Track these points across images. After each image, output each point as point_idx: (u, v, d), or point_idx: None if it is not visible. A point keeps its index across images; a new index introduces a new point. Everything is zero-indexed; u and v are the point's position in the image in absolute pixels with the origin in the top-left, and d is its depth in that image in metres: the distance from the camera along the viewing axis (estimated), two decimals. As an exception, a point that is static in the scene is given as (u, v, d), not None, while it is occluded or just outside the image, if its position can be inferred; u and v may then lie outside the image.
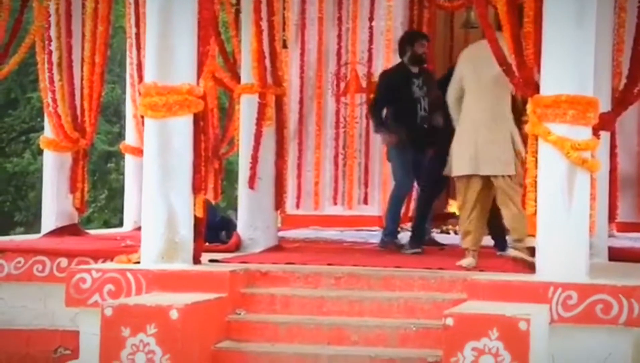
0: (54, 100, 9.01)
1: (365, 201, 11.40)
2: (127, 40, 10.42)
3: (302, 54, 11.61)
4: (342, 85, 11.57)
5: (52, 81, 9.01)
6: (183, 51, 6.81)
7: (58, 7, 9.01)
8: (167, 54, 6.79)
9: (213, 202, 9.72)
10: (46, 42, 9.00)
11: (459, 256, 7.29)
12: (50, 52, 8.99)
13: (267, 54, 8.28)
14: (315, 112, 11.56)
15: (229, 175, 14.66)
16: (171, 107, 6.71)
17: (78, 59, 9.11)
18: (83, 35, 9.05)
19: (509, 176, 7.10)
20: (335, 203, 11.46)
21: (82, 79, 9.07)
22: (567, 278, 6.17)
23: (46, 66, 9.02)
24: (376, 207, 11.29)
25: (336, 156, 11.51)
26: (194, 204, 6.84)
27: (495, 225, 7.68)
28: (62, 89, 9.03)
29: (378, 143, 11.36)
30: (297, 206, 11.41)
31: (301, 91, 11.60)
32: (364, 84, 11.50)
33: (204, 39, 6.89)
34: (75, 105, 9.11)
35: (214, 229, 8.32)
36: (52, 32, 8.99)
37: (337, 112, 11.55)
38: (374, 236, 9.81)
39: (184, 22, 6.81)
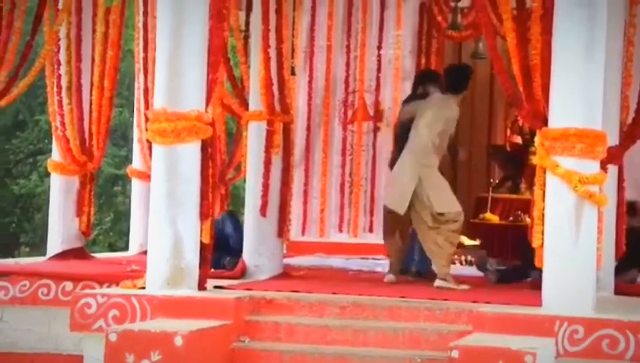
0: (63, 124, 9.03)
1: (371, 229, 11.38)
2: (135, 64, 10.46)
3: (309, 81, 11.64)
4: (350, 113, 11.58)
5: (60, 105, 9.03)
6: (192, 77, 6.83)
7: (69, 32, 9.04)
8: (176, 80, 6.82)
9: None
10: (56, 65, 9.03)
11: (474, 287, 7.33)
12: (59, 76, 9.02)
13: (275, 81, 8.30)
14: (322, 139, 11.58)
15: (234, 200, 14.67)
16: (179, 134, 6.73)
17: (87, 83, 9.14)
18: (92, 59, 9.08)
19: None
20: (340, 231, 11.45)
21: (90, 103, 9.10)
22: (573, 312, 6.15)
23: (55, 89, 9.05)
24: (381, 235, 11.27)
25: (342, 184, 11.52)
26: (201, 231, 6.85)
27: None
28: (71, 113, 9.05)
29: (384, 171, 11.38)
30: (303, 232, 11.40)
31: (308, 118, 11.63)
32: (371, 112, 11.53)
33: (213, 65, 6.92)
34: (83, 129, 9.13)
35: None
36: (62, 56, 9.02)
37: (344, 139, 11.56)
38: (380, 264, 9.79)
39: (193, 48, 6.84)
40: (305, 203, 11.47)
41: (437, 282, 7.76)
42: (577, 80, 6.35)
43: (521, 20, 6.69)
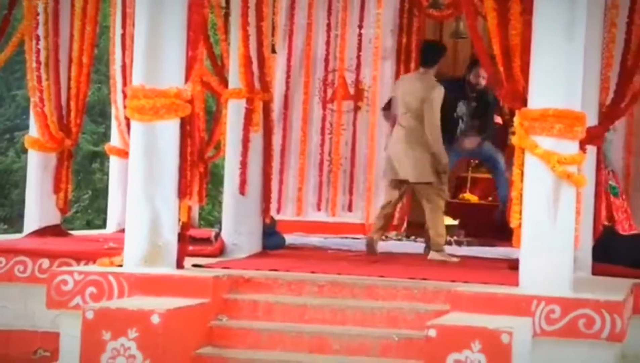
0: (42, 100, 8.96)
1: (350, 209, 11.38)
2: (112, 40, 10.37)
3: (289, 59, 11.58)
4: (330, 92, 11.54)
5: (39, 80, 8.94)
6: (171, 54, 6.79)
7: (46, 6, 8.93)
8: (155, 56, 6.77)
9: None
10: (34, 40, 8.94)
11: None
12: (38, 51, 8.93)
13: (254, 60, 8.25)
14: (300, 117, 11.54)
15: (213, 178, 14.61)
16: (158, 111, 6.69)
17: (65, 59, 9.06)
18: (71, 35, 9.00)
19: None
20: (319, 210, 11.43)
21: (68, 79, 9.03)
22: (550, 292, 6.18)
23: (34, 65, 8.96)
24: (360, 214, 11.29)
25: (321, 163, 11.49)
26: (179, 208, 6.82)
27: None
28: (49, 89, 8.98)
29: (363, 150, 11.37)
30: (278, 211, 11.36)
31: (287, 96, 11.58)
32: (351, 91, 11.49)
33: (193, 42, 6.87)
34: (61, 105, 9.05)
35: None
36: (40, 31, 8.93)
37: (324, 118, 11.52)
38: (359, 243, 9.80)
39: (173, 25, 6.79)
40: (281, 181, 11.42)
41: (432, 255, 8.27)
42: (557, 61, 6.36)
43: (502, 0, 6.67)
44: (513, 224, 6.49)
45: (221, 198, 8.83)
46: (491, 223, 10.06)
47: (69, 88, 9.05)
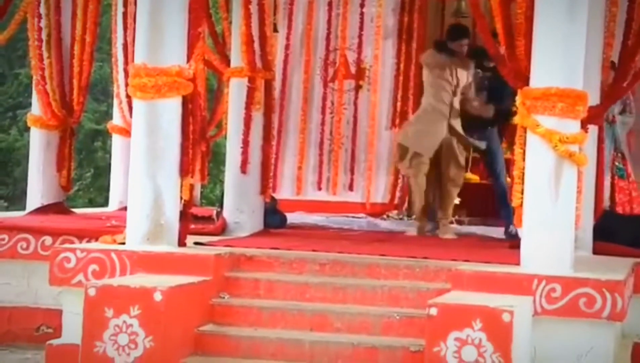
0: (44, 78, 8.96)
1: (351, 188, 11.38)
2: (113, 19, 10.35)
3: (290, 38, 11.55)
4: (331, 71, 11.52)
5: (42, 59, 8.95)
6: (173, 33, 6.78)
7: (49, -17, 8.95)
8: (157, 35, 6.76)
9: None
10: (37, 18, 8.93)
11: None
12: (40, 29, 8.92)
13: (256, 38, 8.25)
14: (301, 96, 11.52)
15: (215, 157, 14.62)
16: (160, 89, 6.69)
17: (67, 37, 9.05)
18: (73, 13, 8.99)
19: None
20: (319, 189, 11.43)
21: (71, 58, 9.02)
22: (551, 271, 6.19)
23: (36, 43, 8.95)
24: (360, 194, 11.29)
25: (321, 142, 11.48)
26: (181, 187, 6.84)
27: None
28: (51, 67, 8.98)
29: (365, 130, 11.36)
30: (274, 190, 11.34)
31: (288, 75, 11.55)
32: (353, 70, 11.46)
33: (195, 21, 6.86)
34: (63, 83, 9.06)
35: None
36: (42, 9, 8.92)
37: (324, 97, 11.50)
38: (360, 222, 9.82)
39: (175, 3, 6.79)
40: (277, 159, 11.35)
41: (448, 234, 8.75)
42: (559, 40, 6.35)
43: (505, -21, 6.66)
44: (515, 203, 6.50)
45: (222, 177, 8.83)
46: (492, 203, 10.07)
47: (71, 66, 9.05)
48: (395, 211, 10.84)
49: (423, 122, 8.88)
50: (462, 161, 8.95)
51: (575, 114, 6.37)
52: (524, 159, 6.47)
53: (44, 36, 8.94)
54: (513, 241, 7.45)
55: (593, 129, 7.41)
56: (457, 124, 8.85)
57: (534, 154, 6.39)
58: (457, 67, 8.87)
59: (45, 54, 8.94)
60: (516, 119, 6.56)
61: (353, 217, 10.52)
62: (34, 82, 9.12)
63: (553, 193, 6.32)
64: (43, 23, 8.92)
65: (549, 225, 6.34)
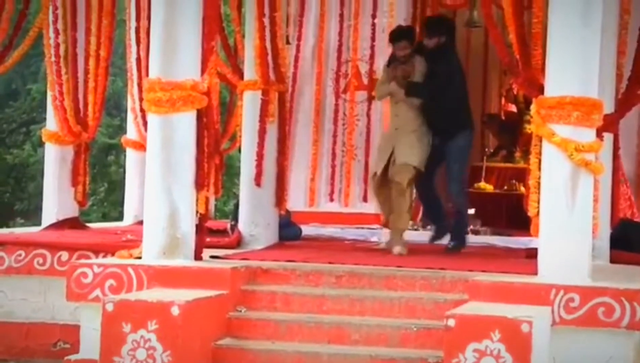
0: (61, 93, 8.98)
1: (365, 199, 11.36)
2: (127, 33, 10.39)
3: (301, 50, 11.56)
4: (343, 82, 11.52)
5: (59, 74, 8.98)
6: (187, 47, 6.80)
7: (64, 0, 8.97)
8: (171, 49, 6.79)
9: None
10: (53, 34, 8.97)
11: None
12: (57, 45, 8.95)
13: (269, 51, 8.26)
14: (313, 108, 11.52)
15: (228, 170, 14.63)
16: (175, 103, 6.71)
17: (81, 52, 9.07)
18: (86, 28, 9.02)
19: None
20: (332, 200, 11.42)
21: (86, 73, 9.05)
22: (569, 281, 6.17)
23: (53, 58, 8.99)
24: (375, 205, 11.25)
25: (334, 153, 11.47)
26: (197, 200, 6.84)
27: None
28: (68, 83, 9.01)
29: (378, 140, 11.33)
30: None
31: (300, 86, 11.55)
32: (365, 81, 11.46)
33: (208, 34, 6.88)
34: (78, 98, 9.08)
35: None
36: (59, 25, 8.95)
37: (336, 109, 11.50)
38: (375, 234, 9.80)
39: (188, 17, 6.81)
40: (289, 171, 11.27)
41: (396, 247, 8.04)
42: (573, 48, 6.34)
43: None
44: (531, 213, 6.49)
45: (235, 190, 8.84)
46: (507, 212, 10.06)
47: (85, 81, 9.07)
48: (410, 222, 10.82)
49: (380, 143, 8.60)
50: (407, 157, 7.99)
51: (591, 123, 6.36)
52: (539, 169, 6.46)
53: (61, 52, 8.97)
54: (530, 251, 7.42)
55: (608, 137, 7.38)
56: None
57: (550, 164, 6.37)
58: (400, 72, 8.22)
59: (62, 70, 8.96)
60: (531, 129, 6.54)
61: (368, 228, 10.51)
62: (50, 98, 9.14)
63: (569, 202, 6.30)
64: (60, 39, 8.95)
65: (566, 234, 6.32)
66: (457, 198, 8.34)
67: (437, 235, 8.57)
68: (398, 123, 8.23)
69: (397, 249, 7.97)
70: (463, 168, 8.44)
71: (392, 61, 8.42)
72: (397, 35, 8.38)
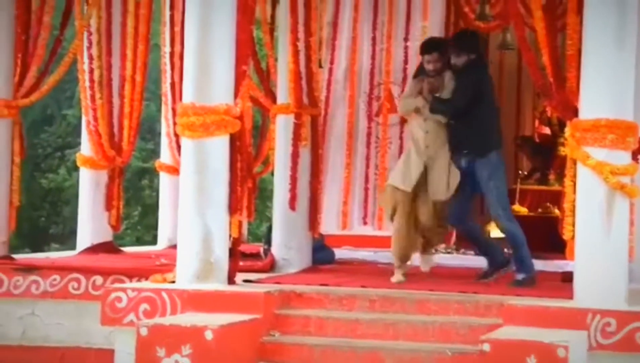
0: (95, 118, 9.07)
1: (399, 222, 11.29)
2: (161, 59, 10.47)
3: (334, 73, 11.57)
4: (375, 105, 11.52)
5: (93, 99, 9.06)
6: (220, 71, 6.84)
7: (99, 26, 9.07)
8: (204, 73, 6.82)
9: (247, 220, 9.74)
10: (88, 60, 9.06)
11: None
12: (91, 70, 9.05)
13: (303, 75, 8.28)
14: (345, 131, 11.52)
15: (260, 193, 14.65)
16: (208, 128, 6.74)
17: (116, 77, 9.16)
18: (123, 54, 9.11)
19: None
20: (365, 224, 11.39)
21: (121, 98, 9.13)
22: (605, 305, 6.11)
23: (87, 84, 9.08)
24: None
25: (367, 176, 11.46)
26: (230, 224, 6.85)
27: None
28: (102, 108, 9.09)
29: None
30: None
31: (333, 110, 11.55)
32: (397, 104, 11.45)
33: (241, 58, 6.92)
34: (112, 123, 9.17)
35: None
36: (94, 51, 9.05)
37: (369, 132, 11.49)
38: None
39: (221, 42, 6.85)
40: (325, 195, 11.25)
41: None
42: (608, 69, 6.31)
43: (550, 10, 6.64)
44: (566, 236, 6.44)
45: (268, 213, 8.85)
46: (542, 235, 9.96)
47: (121, 106, 9.15)
48: (444, 245, 10.77)
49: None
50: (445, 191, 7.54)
51: (626, 146, 6.32)
52: (574, 192, 6.42)
53: (95, 77, 9.06)
54: (565, 274, 7.35)
55: (644, 159, 7.31)
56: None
57: (585, 187, 6.33)
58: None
59: (97, 95, 9.05)
60: (565, 151, 6.50)
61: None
62: (84, 122, 9.22)
63: (605, 226, 6.25)
64: (95, 64, 9.04)
65: (602, 258, 6.26)
66: (505, 223, 7.48)
67: (488, 272, 7.67)
68: (428, 141, 7.66)
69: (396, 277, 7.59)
70: (501, 187, 7.53)
71: (419, 73, 7.97)
72: (429, 46, 7.84)
